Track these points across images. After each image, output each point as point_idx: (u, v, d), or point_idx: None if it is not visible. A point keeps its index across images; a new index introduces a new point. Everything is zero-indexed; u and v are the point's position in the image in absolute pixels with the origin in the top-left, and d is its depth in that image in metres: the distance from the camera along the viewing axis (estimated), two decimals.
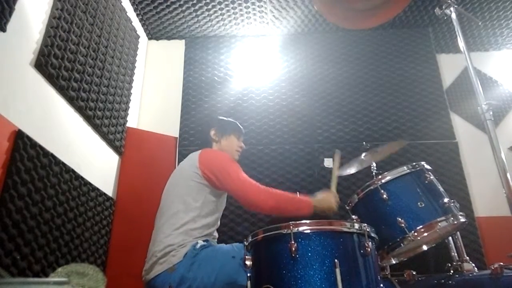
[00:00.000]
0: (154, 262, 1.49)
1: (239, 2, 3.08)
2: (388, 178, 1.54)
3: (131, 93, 2.93)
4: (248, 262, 1.16)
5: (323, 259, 1.04)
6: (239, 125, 1.96)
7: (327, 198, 1.68)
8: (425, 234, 1.42)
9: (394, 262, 1.64)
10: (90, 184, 2.22)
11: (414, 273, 1.55)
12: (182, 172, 1.73)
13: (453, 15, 1.64)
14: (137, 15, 3.20)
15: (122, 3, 2.80)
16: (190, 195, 1.61)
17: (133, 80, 2.99)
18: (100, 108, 2.37)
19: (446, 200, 1.46)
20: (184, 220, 1.55)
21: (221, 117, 2.00)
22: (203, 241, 1.54)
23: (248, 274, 1.17)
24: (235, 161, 1.80)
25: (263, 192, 1.59)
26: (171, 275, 1.43)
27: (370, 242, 1.11)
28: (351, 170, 2.04)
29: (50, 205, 1.80)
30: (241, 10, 3.16)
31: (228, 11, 3.17)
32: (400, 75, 3.30)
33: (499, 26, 3.31)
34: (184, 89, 3.27)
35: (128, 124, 2.85)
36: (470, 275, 1.46)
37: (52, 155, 1.85)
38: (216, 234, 1.77)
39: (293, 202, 1.61)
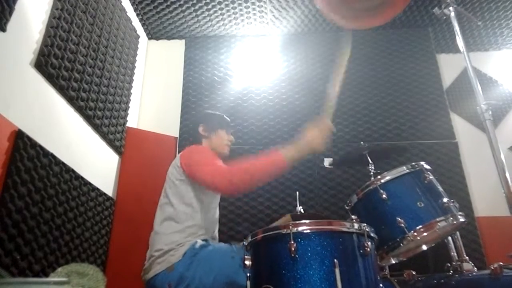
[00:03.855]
0: (153, 261, 1.49)
1: (239, 2, 3.08)
2: (387, 178, 1.54)
3: (131, 93, 2.93)
4: (247, 262, 1.16)
5: (322, 259, 1.04)
6: (226, 117, 1.94)
7: (314, 139, 1.55)
8: (425, 234, 1.42)
9: (393, 262, 1.63)
10: (90, 184, 2.22)
11: (413, 273, 1.55)
12: (170, 173, 1.74)
13: (453, 15, 1.64)
14: (137, 15, 3.20)
15: (122, 3, 2.80)
16: (178, 193, 1.61)
17: (133, 80, 2.99)
18: (100, 108, 2.37)
19: (445, 200, 1.46)
20: (181, 219, 1.56)
21: (207, 111, 1.98)
22: (202, 240, 1.54)
23: (248, 274, 1.17)
24: (214, 152, 1.72)
25: (234, 173, 1.47)
26: (170, 274, 1.44)
27: (369, 242, 1.11)
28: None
29: (50, 205, 1.80)
30: (241, 10, 3.16)
31: (228, 11, 3.17)
32: (400, 75, 3.30)
33: (499, 26, 3.31)
34: (184, 89, 3.27)
35: (128, 124, 2.85)
36: (470, 275, 1.46)
37: (52, 155, 1.85)
38: (216, 234, 1.77)
39: (267, 166, 1.48)
